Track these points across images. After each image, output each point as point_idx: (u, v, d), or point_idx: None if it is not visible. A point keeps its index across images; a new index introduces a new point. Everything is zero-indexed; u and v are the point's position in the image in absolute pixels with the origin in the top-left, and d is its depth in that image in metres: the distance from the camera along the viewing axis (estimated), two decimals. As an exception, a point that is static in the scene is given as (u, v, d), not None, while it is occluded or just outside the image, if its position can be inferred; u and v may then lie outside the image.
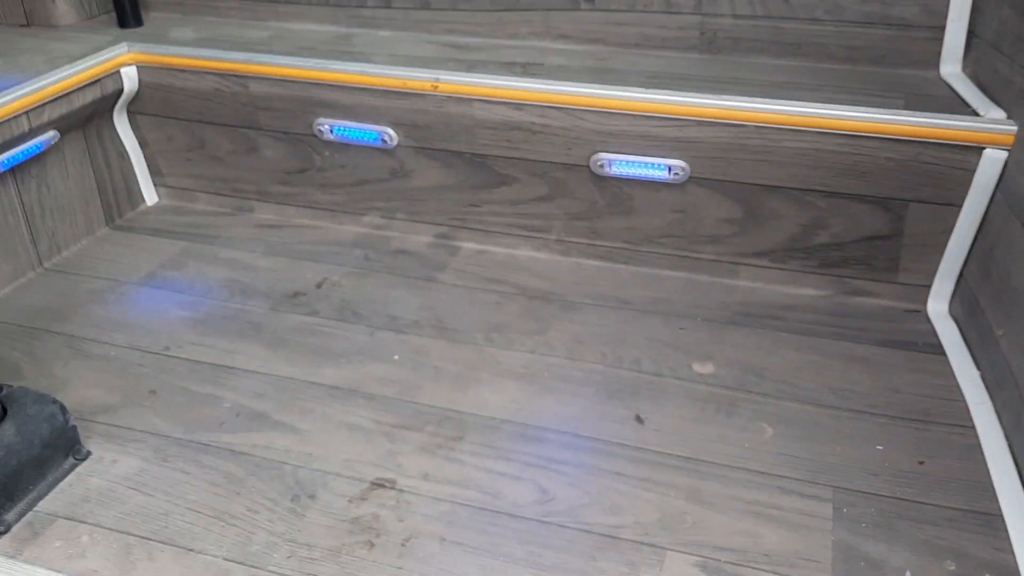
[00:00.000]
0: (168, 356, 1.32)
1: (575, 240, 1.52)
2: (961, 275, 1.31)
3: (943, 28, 1.37)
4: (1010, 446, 1.07)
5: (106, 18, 1.79)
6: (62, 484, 1.08)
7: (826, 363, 1.27)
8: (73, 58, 1.56)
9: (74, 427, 1.12)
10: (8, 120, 1.39)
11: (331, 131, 1.55)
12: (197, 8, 1.77)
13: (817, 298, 1.41)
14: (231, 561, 0.97)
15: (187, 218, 1.72)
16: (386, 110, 1.49)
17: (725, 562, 0.96)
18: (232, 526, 1.02)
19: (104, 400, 1.23)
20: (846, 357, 1.27)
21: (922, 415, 1.16)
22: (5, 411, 1.06)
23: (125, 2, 1.71)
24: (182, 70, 1.58)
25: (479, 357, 1.30)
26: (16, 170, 1.47)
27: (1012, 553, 0.95)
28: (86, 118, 1.58)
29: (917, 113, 1.23)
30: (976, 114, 1.23)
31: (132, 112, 1.67)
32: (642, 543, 0.99)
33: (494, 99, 1.41)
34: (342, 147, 1.57)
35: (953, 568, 0.95)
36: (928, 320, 1.34)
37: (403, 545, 0.99)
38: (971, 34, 1.36)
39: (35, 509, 1.05)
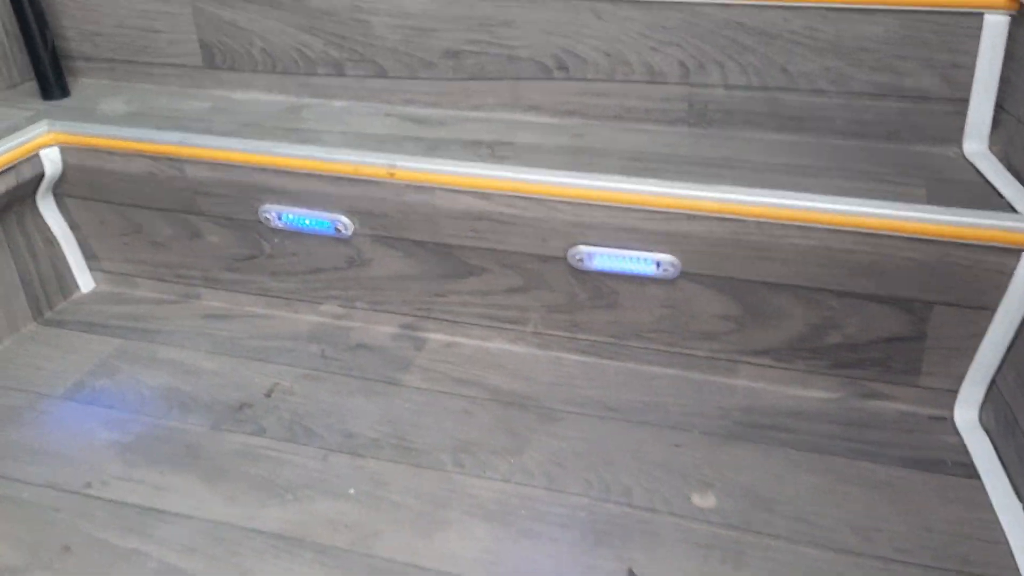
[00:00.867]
0: (89, 496, 1.14)
1: (554, 333, 1.36)
2: (993, 382, 1.15)
3: (966, 101, 1.21)
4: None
5: (28, 87, 1.61)
6: None
7: (845, 491, 1.10)
8: (-16, 140, 1.39)
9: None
10: (-99, 225, 1.22)
11: (279, 218, 1.38)
12: (130, 74, 1.60)
13: (828, 402, 1.25)
14: None
15: (126, 307, 1.55)
16: (339, 197, 1.32)
17: None
18: None
19: (8, 560, 1.05)
20: (867, 483, 1.11)
21: (960, 562, 1.00)
22: None
23: (48, 70, 1.54)
24: (110, 152, 1.41)
25: (446, 488, 1.14)
26: (-82, 275, 1.30)
27: None
28: (1, 208, 1.40)
29: (944, 210, 1.07)
30: (1013, 209, 1.07)
31: (59, 194, 1.50)
32: None
33: (457, 188, 1.24)
34: (293, 235, 1.40)
35: None
36: (956, 431, 1.19)
37: None
38: (999, 108, 1.20)
39: None
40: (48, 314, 1.53)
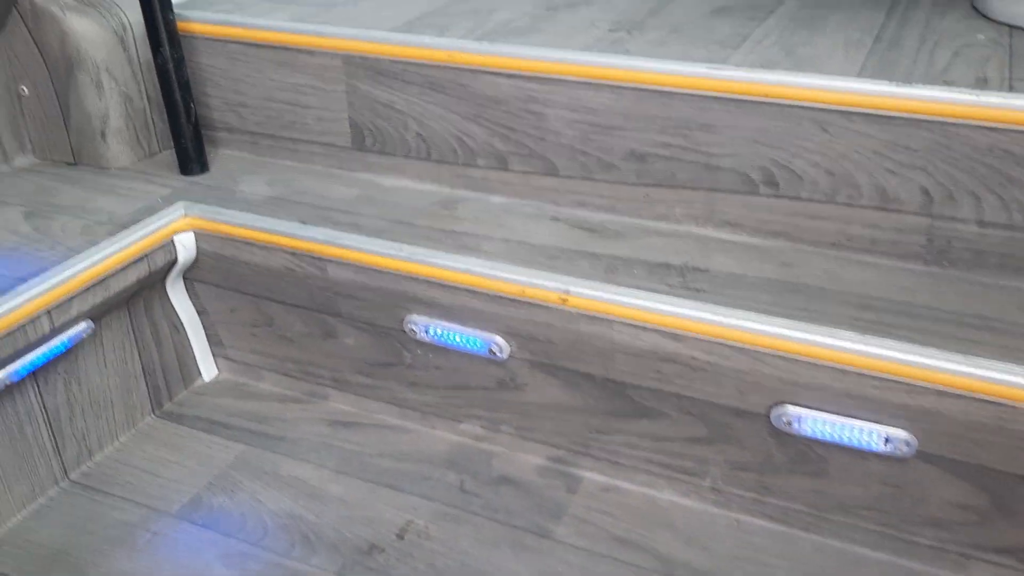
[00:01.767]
0: (197, 660, 0.99)
1: (737, 491, 1.15)
2: None
3: None
4: None
5: (166, 157, 1.50)
6: None
7: None
8: (117, 224, 1.27)
9: None
10: (22, 325, 1.11)
11: (425, 331, 1.22)
12: (273, 149, 1.47)
13: (1089, 623, 1.00)
14: None
15: (248, 404, 1.41)
16: (496, 317, 1.15)
17: None
18: None
19: None
20: None
21: None
22: None
23: (189, 145, 1.42)
24: (249, 243, 1.27)
25: None
26: (37, 373, 1.18)
27: None
28: (128, 298, 1.29)
29: None
30: None
31: (189, 279, 1.38)
32: None
33: (642, 324, 1.05)
34: (439, 349, 1.24)
35: None
36: None
37: None
38: None
39: None
40: (167, 405, 1.41)
